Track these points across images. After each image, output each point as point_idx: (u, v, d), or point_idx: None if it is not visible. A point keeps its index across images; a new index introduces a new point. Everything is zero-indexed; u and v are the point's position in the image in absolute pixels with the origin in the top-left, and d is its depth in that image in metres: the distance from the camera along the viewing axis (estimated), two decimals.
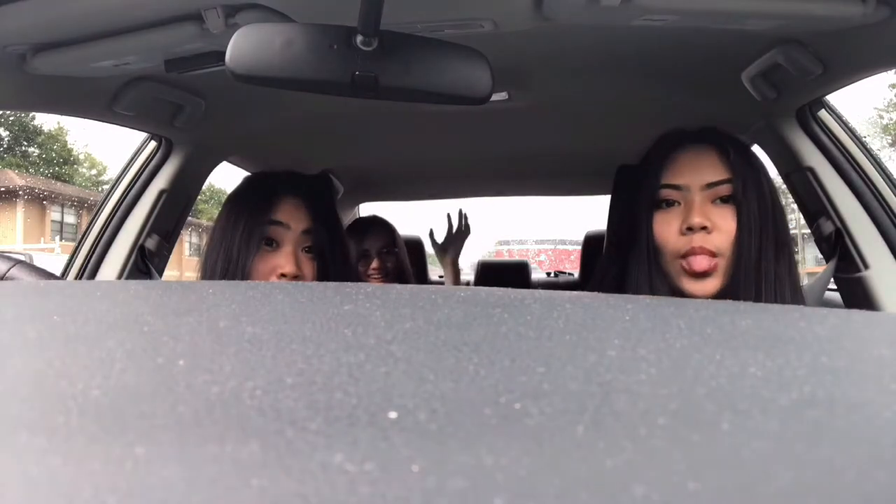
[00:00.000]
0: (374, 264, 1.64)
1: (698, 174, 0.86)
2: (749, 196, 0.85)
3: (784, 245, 0.87)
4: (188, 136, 1.40)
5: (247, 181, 1.05)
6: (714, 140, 0.89)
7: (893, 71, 0.97)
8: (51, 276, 0.71)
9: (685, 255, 0.84)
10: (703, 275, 0.83)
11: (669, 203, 0.87)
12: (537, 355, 0.22)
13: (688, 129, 0.94)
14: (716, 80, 1.19)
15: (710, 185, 0.85)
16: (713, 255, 0.83)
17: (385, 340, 0.23)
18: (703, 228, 0.83)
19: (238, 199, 0.98)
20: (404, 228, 1.93)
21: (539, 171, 2.27)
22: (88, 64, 0.96)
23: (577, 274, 3.10)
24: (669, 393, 0.19)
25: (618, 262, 0.95)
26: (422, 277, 2.39)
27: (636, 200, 0.92)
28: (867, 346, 0.25)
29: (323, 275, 0.93)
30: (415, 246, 2.36)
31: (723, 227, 0.84)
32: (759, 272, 0.84)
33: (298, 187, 0.96)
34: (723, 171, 0.86)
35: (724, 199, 0.86)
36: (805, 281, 1.06)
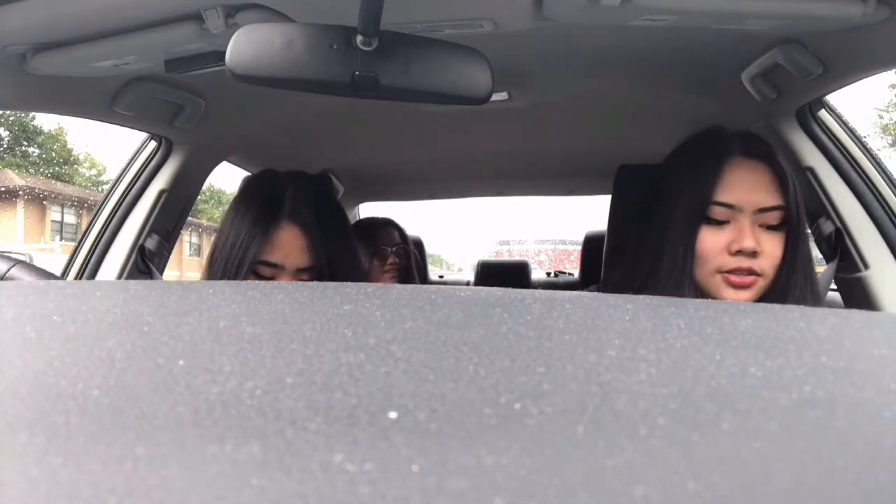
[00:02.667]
0: (391, 260, 1.68)
1: (753, 196, 0.83)
2: (795, 224, 0.83)
3: (809, 261, 0.86)
4: (188, 136, 1.40)
5: (247, 184, 1.00)
6: (764, 156, 0.86)
7: (893, 71, 0.97)
8: (51, 276, 0.71)
9: (729, 272, 0.83)
10: (743, 287, 0.82)
11: (720, 221, 0.84)
12: (537, 355, 0.22)
13: (732, 133, 0.89)
14: (716, 80, 1.19)
15: (763, 210, 0.83)
16: (756, 274, 0.82)
17: (385, 340, 0.23)
18: (752, 253, 0.82)
19: (237, 214, 0.89)
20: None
21: (539, 171, 2.27)
22: (88, 64, 0.96)
23: (577, 274, 3.10)
24: (669, 393, 0.19)
25: (620, 263, 0.94)
26: (422, 277, 2.40)
27: (669, 205, 0.87)
28: (867, 346, 0.25)
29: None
30: (415, 246, 2.37)
31: (770, 254, 0.83)
32: (790, 291, 0.84)
33: (300, 211, 0.86)
34: (776, 197, 0.83)
35: (772, 226, 0.83)
36: None
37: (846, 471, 0.14)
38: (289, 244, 0.85)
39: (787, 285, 0.84)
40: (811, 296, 0.86)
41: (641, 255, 0.91)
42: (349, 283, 0.34)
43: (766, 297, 0.84)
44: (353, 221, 2.07)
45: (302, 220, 0.86)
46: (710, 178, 0.84)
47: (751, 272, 0.82)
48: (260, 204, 0.87)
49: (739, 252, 0.81)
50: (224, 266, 0.84)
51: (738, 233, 0.82)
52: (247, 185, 1.00)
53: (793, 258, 0.83)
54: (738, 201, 0.83)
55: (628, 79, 1.26)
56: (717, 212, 0.83)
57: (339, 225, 0.92)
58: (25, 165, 24.06)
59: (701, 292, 0.86)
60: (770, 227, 0.83)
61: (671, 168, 0.92)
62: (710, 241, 0.83)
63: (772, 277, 0.83)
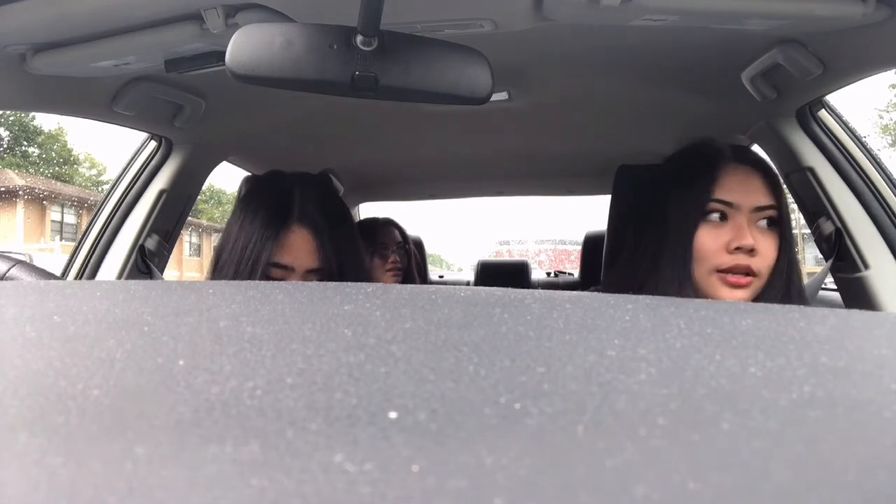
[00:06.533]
0: (392, 259, 1.70)
1: (750, 195, 0.86)
2: (787, 224, 0.87)
3: (797, 265, 0.90)
4: (188, 136, 1.40)
5: (252, 188, 0.99)
6: (756, 163, 0.90)
7: (893, 71, 0.97)
8: (51, 276, 0.71)
9: (726, 271, 0.84)
10: (739, 286, 0.84)
11: (718, 219, 0.87)
12: (537, 355, 0.22)
13: (724, 144, 0.93)
14: (716, 80, 1.19)
15: (759, 209, 0.86)
16: (752, 274, 0.84)
17: (385, 340, 0.23)
18: (751, 251, 0.84)
19: (247, 215, 0.89)
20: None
21: (539, 171, 2.27)
22: (88, 64, 0.96)
23: (577, 274, 3.10)
24: (669, 393, 0.19)
25: (620, 264, 0.95)
26: (422, 277, 2.40)
27: (667, 207, 0.90)
28: (867, 346, 0.25)
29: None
30: (415, 246, 2.38)
31: (766, 253, 0.85)
32: (784, 292, 0.86)
33: (309, 213, 0.87)
34: (770, 197, 0.87)
35: (766, 226, 0.87)
36: (805, 281, 1.07)
37: (846, 471, 0.14)
38: (299, 246, 0.86)
39: (781, 281, 0.86)
40: (799, 289, 0.88)
41: (639, 255, 0.93)
42: (349, 283, 0.33)
43: (762, 294, 0.86)
44: None
45: (311, 223, 0.87)
46: (707, 178, 0.87)
47: (748, 272, 0.84)
48: (269, 206, 0.88)
49: (738, 249, 0.84)
50: (235, 269, 0.84)
51: (736, 231, 0.85)
52: (253, 187, 1.00)
53: (786, 261, 0.86)
54: (736, 200, 0.86)
55: (628, 79, 1.26)
56: (717, 208, 0.86)
57: (346, 227, 0.94)
58: (25, 165, 24.07)
59: (699, 292, 0.87)
60: (765, 227, 0.87)
61: (668, 173, 0.96)
62: (709, 240, 0.85)
63: (766, 279, 0.85)
